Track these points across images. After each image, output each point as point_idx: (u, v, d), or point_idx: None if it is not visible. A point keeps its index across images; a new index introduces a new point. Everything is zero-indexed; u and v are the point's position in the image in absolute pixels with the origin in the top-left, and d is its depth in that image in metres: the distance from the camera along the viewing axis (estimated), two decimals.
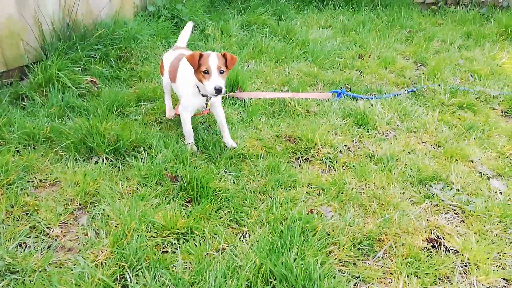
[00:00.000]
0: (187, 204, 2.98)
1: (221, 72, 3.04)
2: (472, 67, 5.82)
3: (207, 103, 3.42)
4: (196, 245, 2.59)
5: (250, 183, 3.26)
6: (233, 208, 2.96)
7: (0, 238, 2.56)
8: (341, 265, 2.54)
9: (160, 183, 3.14)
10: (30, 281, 2.26)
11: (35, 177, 3.20)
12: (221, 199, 3.03)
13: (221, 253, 2.54)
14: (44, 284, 2.23)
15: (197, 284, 2.29)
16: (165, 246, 2.62)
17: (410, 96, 4.96)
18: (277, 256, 2.42)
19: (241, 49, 6.09)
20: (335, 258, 2.56)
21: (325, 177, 3.40)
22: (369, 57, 6.24)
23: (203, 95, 3.33)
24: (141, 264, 2.43)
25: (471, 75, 5.62)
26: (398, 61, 6.10)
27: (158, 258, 2.48)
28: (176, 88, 3.63)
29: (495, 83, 5.35)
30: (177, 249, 2.58)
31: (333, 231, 2.75)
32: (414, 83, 5.44)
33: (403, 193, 3.22)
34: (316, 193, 3.21)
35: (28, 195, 2.96)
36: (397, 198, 3.12)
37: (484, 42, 6.87)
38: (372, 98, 4.77)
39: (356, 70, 5.78)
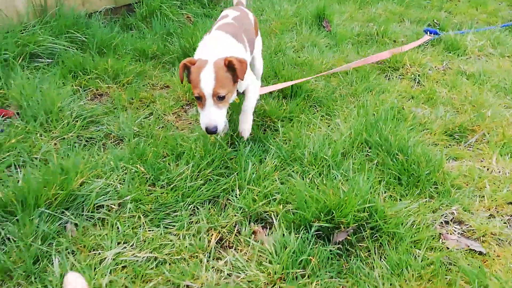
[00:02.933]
0: (283, 99, 3.22)
1: (220, 98, 2.14)
2: None
3: None
4: (294, 126, 2.83)
5: (340, 89, 3.43)
6: (325, 106, 3.16)
7: (127, 118, 2.97)
8: (434, 146, 2.65)
9: None
10: (157, 141, 2.64)
11: (148, 82, 3.63)
12: (313, 99, 3.24)
13: (317, 133, 2.76)
14: (169, 142, 2.60)
15: (298, 149, 2.53)
16: (266, 128, 2.89)
17: (503, 30, 4.79)
18: (371, 130, 2.59)
19: None
20: (427, 141, 2.68)
21: (415, 88, 3.48)
22: (459, 1, 6.06)
23: None
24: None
25: None
26: (490, 4, 5.87)
27: (262, 133, 2.77)
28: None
29: None
30: (276, 129, 2.84)
31: (424, 121, 2.86)
32: (509, 21, 5.22)
33: (496, 100, 3.22)
34: (406, 99, 3.30)
35: (145, 92, 3.38)
36: (490, 102, 3.13)
37: None
38: (463, 32, 4.66)
39: (444, 11, 5.66)
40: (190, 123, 3.05)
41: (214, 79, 2.09)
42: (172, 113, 3.17)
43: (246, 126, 2.57)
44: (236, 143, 2.65)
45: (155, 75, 3.71)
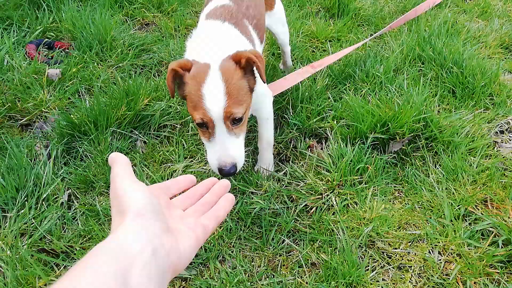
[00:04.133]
0: (330, 18, 3.18)
1: (237, 121, 1.41)
2: None
3: None
4: (343, 46, 2.82)
5: (389, 6, 3.33)
6: (374, 24, 3.10)
7: (177, 46, 3.03)
8: (489, 59, 2.59)
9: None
10: None
11: (191, 10, 3.64)
12: (361, 18, 3.17)
13: (368, 51, 2.74)
14: None
15: (349, 67, 2.54)
16: (314, 49, 2.89)
17: None
18: (424, 44, 2.55)
19: None
20: (481, 55, 2.61)
21: (468, 2, 3.33)
22: None
23: None
24: (296, 59, 2.75)
25: None
26: None
27: (310, 54, 2.78)
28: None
29: None
30: (325, 50, 2.84)
31: (479, 35, 2.77)
32: None
33: None
34: (459, 14, 3.18)
35: (190, 19, 3.41)
36: None
37: None
38: None
39: None
40: None
41: (224, 92, 1.35)
42: None
43: (267, 161, 1.99)
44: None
45: (197, 2, 3.71)
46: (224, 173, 1.38)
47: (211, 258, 1.62)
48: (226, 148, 1.39)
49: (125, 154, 2.06)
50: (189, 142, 2.17)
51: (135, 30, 3.29)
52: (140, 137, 2.19)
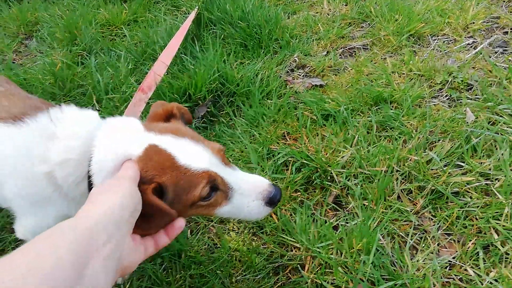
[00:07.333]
0: (124, 3, 3.10)
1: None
2: None
3: None
4: (141, 27, 2.79)
5: None
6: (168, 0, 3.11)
7: None
8: (275, 7, 2.80)
9: None
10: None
11: None
12: None
13: (166, 26, 2.75)
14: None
15: (149, 47, 2.53)
16: (115, 36, 2.81)
17: None
18: (212, 7, 2.65)
19: None
20: (268, 4, 2.80)
21: None
22: None
23: None
24: (95, 51, 2.64)
25: None
26: None
27: (110, 43, 2.70)
28: None
29: None
30: (125, 35, 2.78)
31: None
32: None
33: None
34: None
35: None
36: None
37: None
38: None
39: None
40: (35, 55, 2.86)
41: (198, 140, 1.05)
42: (12, 52, 2.94)
43: None
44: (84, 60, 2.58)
45: None
46: (278, 198, 1.09)
47: None
48: (248, 179, 1.09)
49: None
50: None
51: None
52: None
